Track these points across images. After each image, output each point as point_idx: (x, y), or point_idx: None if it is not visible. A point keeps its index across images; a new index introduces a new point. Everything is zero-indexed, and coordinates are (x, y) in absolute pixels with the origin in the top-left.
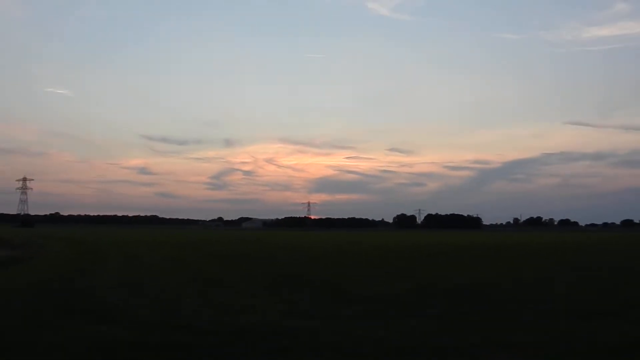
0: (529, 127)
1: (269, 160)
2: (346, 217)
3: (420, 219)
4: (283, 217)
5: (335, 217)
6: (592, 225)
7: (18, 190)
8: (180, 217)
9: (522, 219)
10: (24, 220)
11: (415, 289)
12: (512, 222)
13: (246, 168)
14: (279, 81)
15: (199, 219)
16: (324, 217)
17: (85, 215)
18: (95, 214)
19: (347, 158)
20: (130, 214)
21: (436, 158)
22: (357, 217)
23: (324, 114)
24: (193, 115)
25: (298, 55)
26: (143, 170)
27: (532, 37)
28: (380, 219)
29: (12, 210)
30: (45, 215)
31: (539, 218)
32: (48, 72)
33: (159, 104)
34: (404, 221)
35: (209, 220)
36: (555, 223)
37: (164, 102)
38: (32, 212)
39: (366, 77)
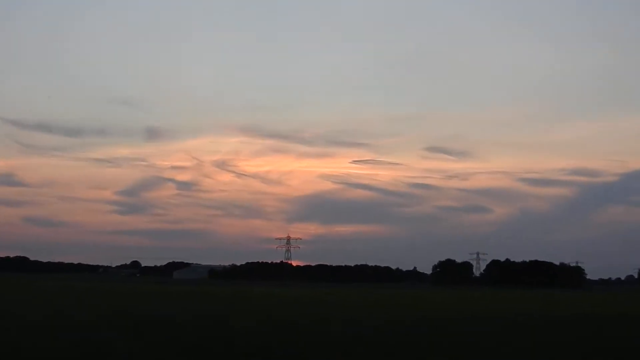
0: None
1: (222, 165)
2: (351, 265)
3: (480, 268)
4: (244, 262)
5: (332, 262)
6: None
7: None
8: (66, 261)
9: None
10: None
11: None
12: (634, 277)
13: (182, 177)
14: (240, 35)
15: (100, 263)
16: (312, 262)
17: None
18: None
19: (356, 162)
20: None
21: (507, 165)
22: (369, 263)
23: (317, 91)
24: (95, 88)
25: None
26: (4, 179)
27: None
28: (411, 269)
29: None
30: None
31: None
32: None
33: (38, 70)
34: (451, 273)
35: (117, 267)
36: None
37: (46, 68)
38: None
39: (388, 29)
